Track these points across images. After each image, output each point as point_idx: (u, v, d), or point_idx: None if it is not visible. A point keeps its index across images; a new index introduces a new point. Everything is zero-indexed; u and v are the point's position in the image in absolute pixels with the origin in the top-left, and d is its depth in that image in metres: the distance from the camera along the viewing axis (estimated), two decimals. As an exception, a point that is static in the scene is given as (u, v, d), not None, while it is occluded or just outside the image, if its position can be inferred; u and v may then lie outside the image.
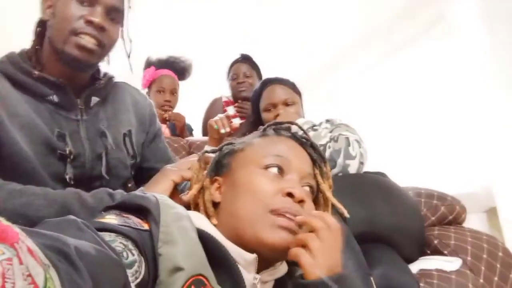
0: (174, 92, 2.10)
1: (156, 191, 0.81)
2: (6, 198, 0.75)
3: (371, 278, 1.03)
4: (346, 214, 0.75)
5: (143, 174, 1.11)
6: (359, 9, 3.34)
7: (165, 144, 1.18)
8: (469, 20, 2.50)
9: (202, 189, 0.75)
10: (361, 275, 0.98)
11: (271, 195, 0.65)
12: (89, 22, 0.88)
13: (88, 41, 0.88)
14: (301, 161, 0.72)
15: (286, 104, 1.64)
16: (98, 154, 0.95)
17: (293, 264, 0.73)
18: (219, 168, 0.76)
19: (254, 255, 0.63)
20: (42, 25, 0.93)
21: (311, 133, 1.47)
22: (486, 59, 2.39)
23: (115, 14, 0.93)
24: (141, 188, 0.86)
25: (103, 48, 0.92)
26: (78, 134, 0.93)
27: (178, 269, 0.50)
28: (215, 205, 0.72)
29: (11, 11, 2.90)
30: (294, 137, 0.78)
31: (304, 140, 0.78)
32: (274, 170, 0.69)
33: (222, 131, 1.46)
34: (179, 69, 2.09)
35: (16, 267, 0.28)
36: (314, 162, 0.76)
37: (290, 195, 0.65)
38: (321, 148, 1.40)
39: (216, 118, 1.51)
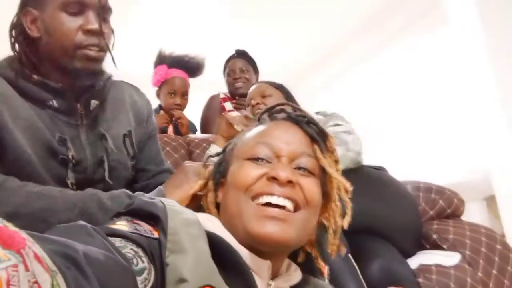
0: (185, 94, 2.07)
1: (175, 197, 0.79)
2: (24, 202, 0.75)
3: (349, 254, 1.08)
4: (349, 188, 0.71)
5: (136, 174, 1.09)
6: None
7: (158, 146, 1.16)
8: (463, 8, 2.48)
9: (206, 193, 0.74)
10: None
11: (253, 181, 0.63)
12: (89, 32, 0.86)
13: (94, 52, 0.88)
14: (292, 142, 0.68)
15: (263, 96, 1.66)
16: (99, 158, 0.95)
17: (308, 272, 0.72)
18: (223, 168, 0.74)
19: (268, 262, 0.62)
20: (31, 42, 0.91)
21: None
22: (481, 47, 2.37)
23: (107, 12, 0.92)
24: (160, 188, 0.85)
25: (106, 50, 0.92)
26: (78, 139, 0.92)
27: (182, 280, 0.49)
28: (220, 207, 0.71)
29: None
30: (289, 117, 0.74)
31: (300, 118, 0.73)
32: (260, 157, 0.66)
33: (239, 129, 1.42)
34: (192, 68, 2.06)
35: (21, 274, 0.27)
36: (313, 139, 0.71)
37: (274, 179, 0.62)
38: None
39: (234, 115, 1.48)
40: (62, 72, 0.90)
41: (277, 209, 0.60)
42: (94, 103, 0.96)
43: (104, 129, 0.97)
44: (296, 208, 0.63)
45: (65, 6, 0.85)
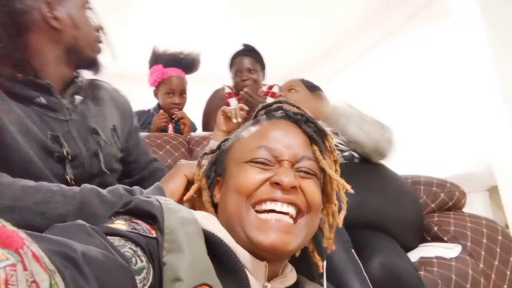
0: (183, 93, 2.08)
1: (171, 187, 0.81)
2: (20, 196, 0.73)
3: (352, 250, 1.07)
4: (350, 190, 0.69)
5: (127, 167, 1.11)
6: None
7: (141, 137, 1.21)
8: (465, 1, 2.47)
9: (199, 191, 0.73)
10: (343, 247, 1.04)
11: (256, 186, 0.62)
12: (100, 29, 1.03)
13: (101, 45, 1.04)
14: (293, 145, 0.67)
15: (289, 90, 1.72)
16: (93, 151, 0.96)
17: (302, 272, 0.72)
18: (219, 167, 0.73)
19: (264, 263, 0.61)
20: (42, 33, 0.92)
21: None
22: (483, 39, 2.36)
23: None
24: (157, 183, 0.85)
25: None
26: (70, 134, 0.93)
27: (177, 279, 0.49)
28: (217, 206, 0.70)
29: None
30: (287, 116, 0.73)
31: (298, 116, 0.72)
32: (261, 161, 0.65)
33: (235, 120, 1.39)
34: (188, 64, 2.06)
35: (20, 273, 0.28)
36: (312, 138, 0.70)
37: (278, 184, 0.62)
38: None
39: (230, 108, 1.46)
40: (69, 64, 0.97)
41: (279, 220, 0.61)
42: (78, 98, 0.98)
43: (93, 123, 0.99)
44: (299, 212, 0.63)
45: (85, 4, 1.00)
